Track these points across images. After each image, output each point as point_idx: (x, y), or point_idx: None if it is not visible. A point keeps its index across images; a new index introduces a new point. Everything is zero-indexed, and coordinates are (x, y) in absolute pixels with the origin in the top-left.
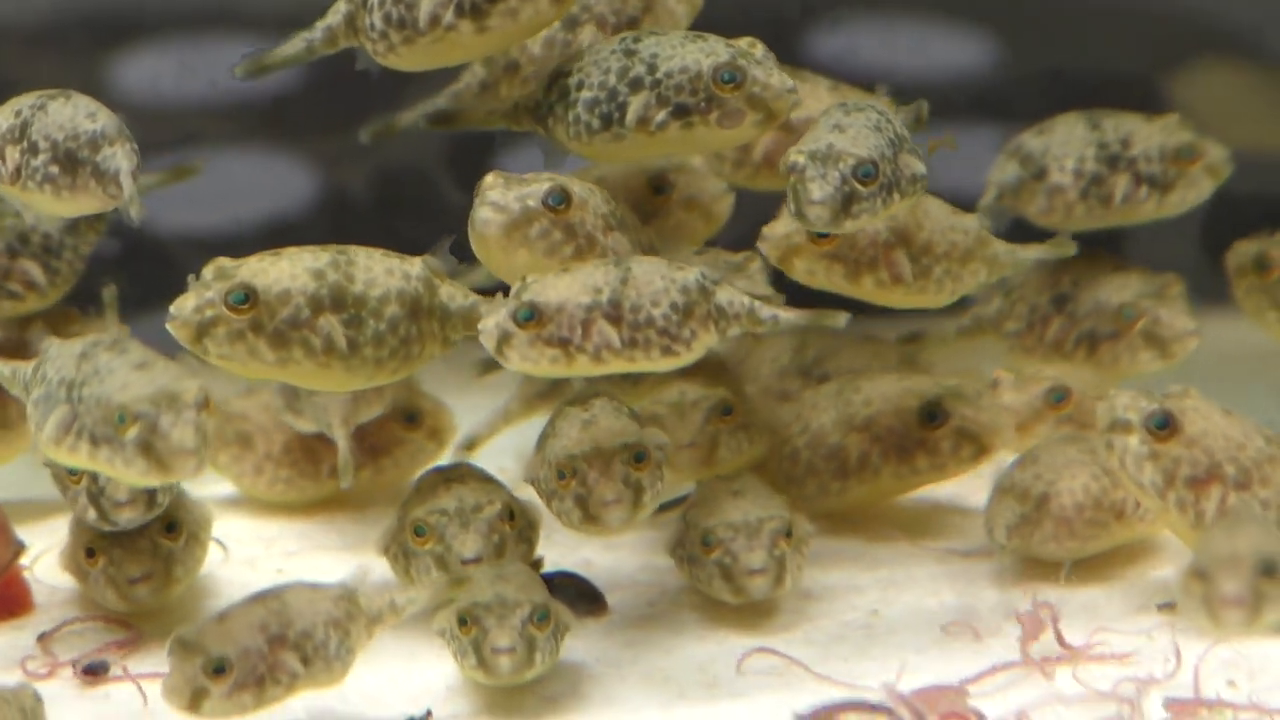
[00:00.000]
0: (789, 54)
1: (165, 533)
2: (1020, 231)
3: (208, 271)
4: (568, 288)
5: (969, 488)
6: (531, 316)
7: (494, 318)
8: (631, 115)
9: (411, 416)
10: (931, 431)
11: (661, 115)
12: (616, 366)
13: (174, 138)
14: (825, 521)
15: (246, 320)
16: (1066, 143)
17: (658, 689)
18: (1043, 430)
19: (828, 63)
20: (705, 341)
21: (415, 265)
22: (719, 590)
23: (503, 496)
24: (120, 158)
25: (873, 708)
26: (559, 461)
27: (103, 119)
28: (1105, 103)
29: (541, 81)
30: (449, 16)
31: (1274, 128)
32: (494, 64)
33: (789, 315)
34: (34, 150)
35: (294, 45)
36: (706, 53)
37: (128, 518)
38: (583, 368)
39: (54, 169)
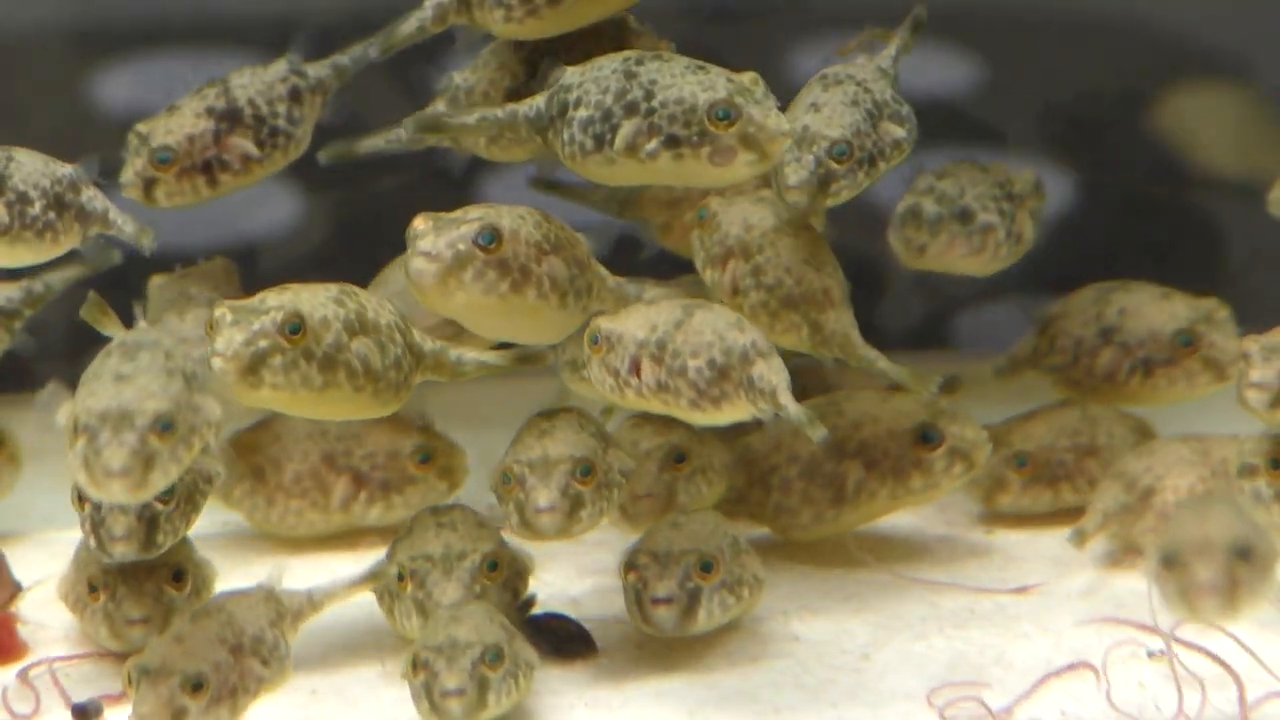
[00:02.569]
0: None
1: (172, 580)
2: None
3: (223, 313)
4: (633, 320)
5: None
6: (596, 341)
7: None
8: (620, 140)
9: (425, 455)
10: (927, 452)
11: (653, 144)
12: (656, 406)
13: None
14: (808, 556)
15: (300, 349)
16: (975, 183)
17: None
18: (1007, 498)
19: None
20: (737, 407)
21: (390, 304)
22: (634, 618)
23: (486, 546)
24: (99, 198)
25: None
26: (504, 467)
27: (67, 164)
28: (1091, 125)
29: (543, 90)
30: None
31: (1260, 152)
32: (455, 107)
33: (795, 410)
34: (25, 200)
35: (409, 24)
36: (705, 86)
37: (121, 552)
38: (631, 401)
39: (52, 215)
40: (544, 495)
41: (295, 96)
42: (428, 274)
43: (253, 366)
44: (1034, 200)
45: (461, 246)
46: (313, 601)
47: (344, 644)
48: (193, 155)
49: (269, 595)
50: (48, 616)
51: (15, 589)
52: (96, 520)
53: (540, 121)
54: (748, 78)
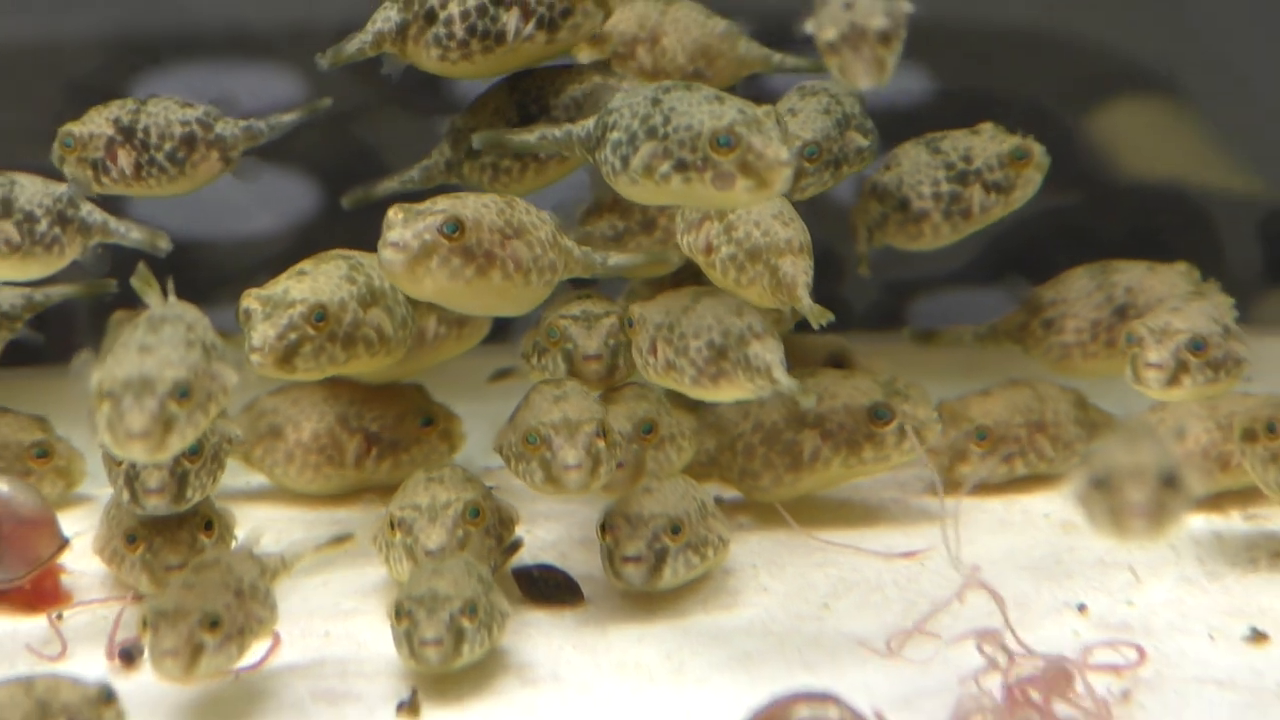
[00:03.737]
0: None
1: (204, 529)
2: None
3: (252, 305)
4: (656, 306)
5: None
6: (631, 324)
7: None
8: (638, 161)
9: (427, 419)
10: (880, 427)
11: (665, 167)
12: (669, 384)
13: None
14: (776, 517)
15: (325, 334)
16: (914, 170)
17: (630, 674)
18: (966, 468)
19: None
20: (736, 385)
21: None
22: (607, 573)
23: (468, 496)
24: (96, 212)
25: (822, 699)
26: (529, 428)
27: (60, 185)
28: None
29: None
30: (529, 29)
31: (1183, 158)
32: (459, 148)
33: (788, 382)
34: (32, 219)
35: (352, 44)
36: (713, 115)
37: (154, 504)
38: (653, 378)
39: (57, 230)
40: (572, 453)
41: (189, 141)
42: (397, 263)
43: (286, 357)
44: (1002, 170)
45: (428, 237)
46: (285, 562)
47: (355, 593)
48: (87, 150)
49: (249, 554)
50: (83, 567)
51: (63, 543)
52: (131, 476)
53: (590, 142)
54: (762, 110)
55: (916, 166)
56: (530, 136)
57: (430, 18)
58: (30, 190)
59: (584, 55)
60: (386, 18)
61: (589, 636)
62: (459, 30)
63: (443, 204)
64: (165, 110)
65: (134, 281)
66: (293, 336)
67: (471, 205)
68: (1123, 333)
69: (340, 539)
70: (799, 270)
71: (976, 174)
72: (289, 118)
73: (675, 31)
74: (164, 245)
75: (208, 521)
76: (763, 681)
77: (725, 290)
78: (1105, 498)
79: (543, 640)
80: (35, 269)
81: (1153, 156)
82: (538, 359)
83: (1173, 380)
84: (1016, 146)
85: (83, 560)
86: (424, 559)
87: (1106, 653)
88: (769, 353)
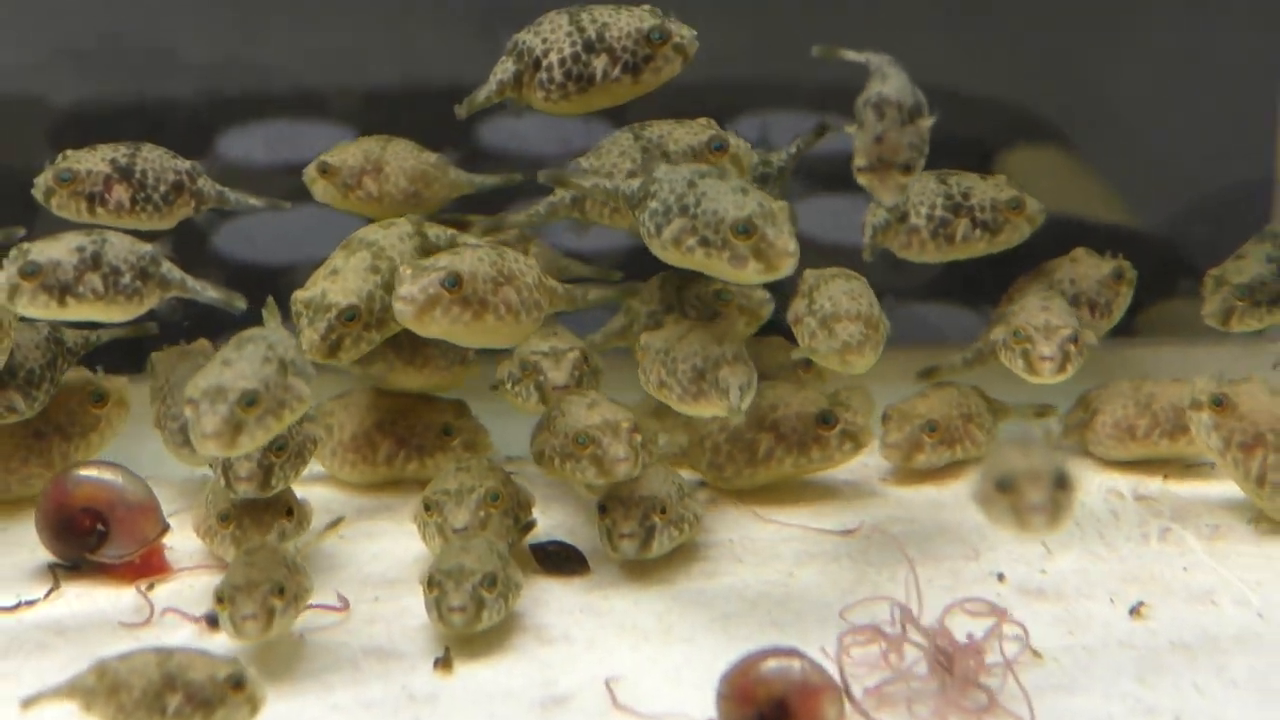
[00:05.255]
0: None
1: (285, 514)
2: None
3: (299, 309)
4: (659, 334)
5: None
6: (641, 348)
7: None
8: (669, 233)
9: (447, 430)
10: (825, 431)
11: (691, 241)
12: (663, 399)
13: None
14: (747, 499)
15: (360, 326)
16: (921, 193)
17: (627, 633)
18: (922, 456)
19: None
20: (713, 404)
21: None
22: (605, 547)
23: (489, 483)
24: (175, 270)
25: (788, 653)
26: (578, 432)
27: (146, 244)
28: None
29: (642, 176)
30: (615, 72)
31: (1069, 196)
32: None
33: (736, 403)
34: (117, 273)
35: (481, 94)
36: (737, 205)
37: (244, 490)
38: (653, 393)
39: (138, 283)
40: (621, 448)
41: (177, 187)
42: (407, 313)
43: (331, 351)
44: (993, 213)
45: (431, 290)
46: (299, 550)
47: (400, 564)
48: (84, 184)
49: (277, 545)
50: (176, 543)
51: (164, 527)
52: (226, 465)
53: (634, 200)
54: (778, 205)
55: (924, 190)
56: (586, 182)
57: (537, 65)
58: (118, 247)
59: (318, 190)
60: (505, 69)
61: (594, 602)
62: (558, 75)
63: (444, 260)
64: (160, 159)
65: (265, 310)
66: (334, 337)
67: (469, 260)
68: (1009, 332)
69: (333, 524)
70: (849, 333)
71: (969, 209)
72: (254, 202)
73: (395, 161)
74: (239, 305)
75: (289, 509)
76: (739, 640)
77: (715, 325)
78: (1006, 499)
79: (556, 605)
80: (117, 314)
81: (1049, 194)
82: (513, 387)
83: (1060, 368)
84: (1013, 197)
85: (177, 538)
86: (452, 536)
87: (1022, 614)
88: (733, 376)
